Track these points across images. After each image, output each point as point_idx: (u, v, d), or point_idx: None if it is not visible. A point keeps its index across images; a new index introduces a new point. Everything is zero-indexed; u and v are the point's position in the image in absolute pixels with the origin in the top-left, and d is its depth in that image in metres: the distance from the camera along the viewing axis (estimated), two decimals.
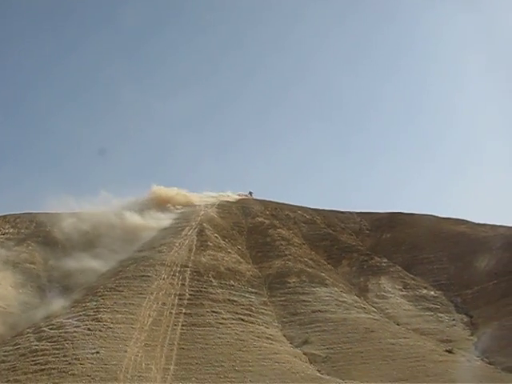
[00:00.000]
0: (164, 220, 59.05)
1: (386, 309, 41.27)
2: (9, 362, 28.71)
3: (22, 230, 57.97)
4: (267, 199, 68.43)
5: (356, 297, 42.09)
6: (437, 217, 62.10)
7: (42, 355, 28.65)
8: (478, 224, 58.17)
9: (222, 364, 28.75)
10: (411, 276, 47.37)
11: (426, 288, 45.29)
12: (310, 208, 66.40)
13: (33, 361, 28.20)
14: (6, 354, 29.93)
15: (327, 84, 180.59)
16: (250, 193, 72.36)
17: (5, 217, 61.35)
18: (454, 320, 39.81)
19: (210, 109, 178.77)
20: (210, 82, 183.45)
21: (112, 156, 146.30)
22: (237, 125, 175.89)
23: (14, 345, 31.14)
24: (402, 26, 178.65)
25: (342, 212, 66.66)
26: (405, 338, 34.08)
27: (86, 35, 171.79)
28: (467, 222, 59.37)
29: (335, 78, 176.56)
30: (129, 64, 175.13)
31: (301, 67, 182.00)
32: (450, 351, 32.22)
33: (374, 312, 39.53)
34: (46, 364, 27.58)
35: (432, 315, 40.63)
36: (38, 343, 30.29)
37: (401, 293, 44.24)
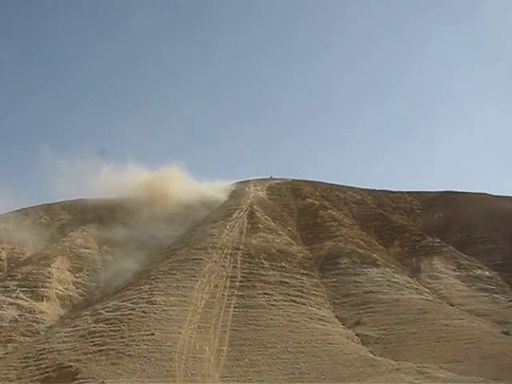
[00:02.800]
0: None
1: (440, 289, 40.68)
2: (69, 342, 29.76)
3: (77, 216, 59.62)
4: (317, 180, 68.03)
5: (408, 277, 41.62)
6: (491, 195, 60.72)
7: (99, 336, 29.52)
8: None
9: (275, 345, 28.96)
10: (465, 256, 46.49)
11: (480, 268, 44.40)
12: (360, 188, 65.74)
13: (91, 342, 29.09)
14: (66, 335, 31.04)
15: (388, 68, 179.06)
16: (271, 177, 71.92)
17: (60, 203, 63.24)
18: (510, 301, 38.96)
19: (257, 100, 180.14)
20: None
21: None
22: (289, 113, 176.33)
23: (74, 326, 32.24)
24: None
25: (393, 192, 65.77)
26: (459, 319, 33.55)
27: None
28: None
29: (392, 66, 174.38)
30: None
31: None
32: (506, 333, 31.53)
33: (427, 293, 39.02)
34: (103, 345, 28.40)
35: (487, 296, 39.84)
36: (95, 325, 31.22)
37: (454, 273, 43.50)
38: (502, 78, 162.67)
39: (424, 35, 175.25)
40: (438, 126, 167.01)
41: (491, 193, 61.79)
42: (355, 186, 66.28)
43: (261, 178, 70.39)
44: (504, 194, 60.74)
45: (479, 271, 43.90)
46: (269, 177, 71.43)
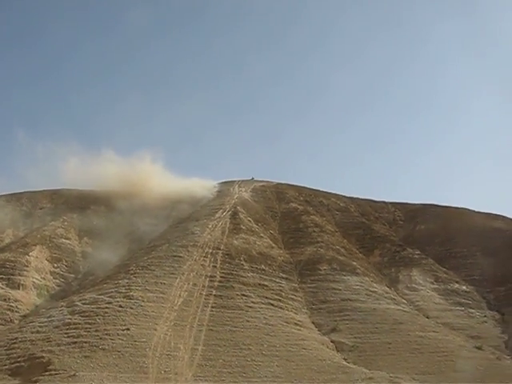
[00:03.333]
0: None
1: (417, 301, 40.95)
2: (43, 332, 29.55)
3: (59, 206, 59.19)
4: (301, 185, 68.12)
5: (386, 287, 41.85)
6: (472, 210, 61.21)
7: (74, 328, 29.35)
8: None
9: (250, 347, 28.99)
10: (443, 269, 46.84)
11: (457, 282, 44.76)
12: (344, 196, 65.93)
13: (66, 333, 28.90)
14: (40, 325, 30.81)
15: (383, 74, 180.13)
16: (252, 178, 72.03)
17: (43, 192, 62.71)
18: (485, 316, 39.33)
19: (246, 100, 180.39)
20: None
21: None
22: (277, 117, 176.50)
23: (49, 317, 32.00)
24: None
25: (376, 201, 66.07)
26: (434, 331, 33.84)
27: None
28: (503, 217, 58.37)
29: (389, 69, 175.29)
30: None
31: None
32: (479, 348, 31.88)
33: (404, 304, 39.27)
34: (78, 337, 28.24)
35: (463, 310, 40.20)
36: (71, 317, 31.03)
37: (432, 286, 43.81)
38: (502, 76, 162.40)
39: (421, 34, 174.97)
40: (425, 135, 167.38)
41: (471, 208, 62.46)
42: (339, 194, 66.52)
43: (244, 179, 70.38)
44: (482, 211, 61.41)
45: (457, 285, 44.26)
46: (250, 178, 71.49)
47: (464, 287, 44.20)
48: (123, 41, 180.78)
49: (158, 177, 67.37)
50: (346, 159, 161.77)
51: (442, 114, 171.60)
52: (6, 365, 26.60)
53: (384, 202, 65.87)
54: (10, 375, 25.77)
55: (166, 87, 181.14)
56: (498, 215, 58.98)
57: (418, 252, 49.77)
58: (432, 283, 44.20)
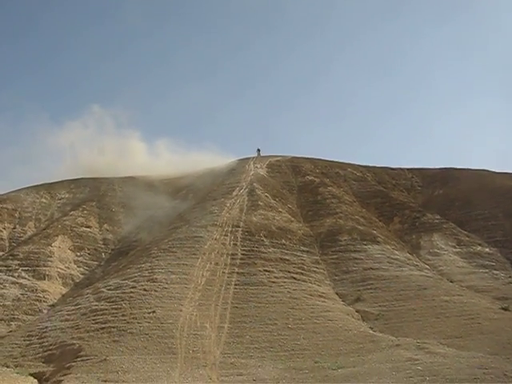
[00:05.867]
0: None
1: (439, 266, 40.82)
2: (72, 320, 29.99)
3: (77, 195, 59.74)
4: (316, 157, 67.89)
5: (408, 254, 41.76)
6: (491, 171, 60.65)
7: (101, 314, 29.70)
8: None
9: (275, 322, 29.11)
10: (465, 233, 46.58)
11: (480, 245, 44.50)
12: (360, 165, 65.62)
13: (93, 320, 29.28)
14: (68, 313, 31.28)
15: (391, 43, 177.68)
16: (259, 150, 71.82)
17: (61, 182, 63.34)
18: (510, 277, 39.03)
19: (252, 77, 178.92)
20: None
21: None
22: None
23: (76, 305, 32.46)
24: None
25: (393, 168, 65.68)
26: (458, 295, 33.69)
27: None
28: None
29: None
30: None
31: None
32: (506, 309, 31.61)
33: (427, 269, 39.16)
34: (105, 323, 28.58)
35: (487, 272, 39.95)
36: (97, 303, 31.43)
37: (454, 250, 43.61)
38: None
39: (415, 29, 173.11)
40: (437, 103, 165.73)
41: (491, 169, 61.80)
42: (355, 163, 66.21)
43: (262, 155, 70.28)
44: (503, 171, 60.72)
45: (479, 248, 44.01)
46: (256, 149, 71.51)
47: (487, 249, 43.94)
48: (121, 26, 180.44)
49: (173, 160, 67.90)
50: (360, 128, 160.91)
51: (451, 84, 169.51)
52: (39, 353, 27.12)
53: (401, 169, 65.46)
54: (43, 362, 26.25)
55: (169, 70, 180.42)
56: None
57: (438, 217, 49.51)
58: (454, 247, 43.99)
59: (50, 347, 27.32)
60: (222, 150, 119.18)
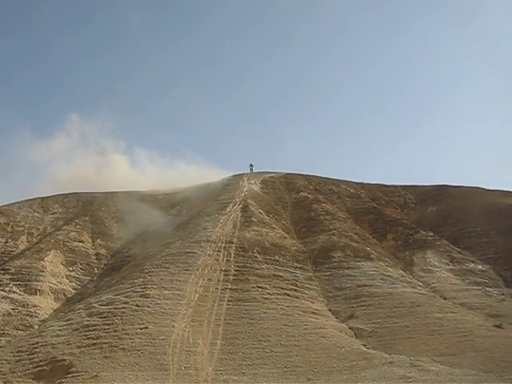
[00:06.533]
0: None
1: (433, 283, 40.78)
2: (63, 336, 29.72)
3: (70, 210, 59.62)
4: (311, 174, 68.07)
5: (402, 271, 41.74)
6: (484, 189, 60.79)
7: (93, 330, 29.49)
8: None
9: (268, 339, 28.98)
10: (458, 250, 46.60)
11: (473, 262, 44.52)
12: (354, 182, 65.79)
13: (85, 335, 29.06)
14: (60, 328, 31.01)
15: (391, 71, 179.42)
16: (251, 165, 72.00)
17: (55, 197, 63.19)
18: (502, 294, 39.07)
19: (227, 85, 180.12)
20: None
21: None
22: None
23: (67, 320, 32.21)
24: None
25: (387, 185, 65.83)
26: (452, 312, 33.67)
27: None
28: None
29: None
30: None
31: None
32: (498, 326, 31.62)
33: (420, 286, 39.14)
34: (97, 338, 28.38)
35: (480, 289, 39.95)
36: (89, 319, 31.21)
37: (447, 267, 43.61)
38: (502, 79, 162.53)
39: (430, 38, 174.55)
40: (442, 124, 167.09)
41: (483, 186, 62.02)
42: (349, 180, 66.38)
43: (254, 171, 70.43)
44: (496, 188, 60.95)
45: (472, 265, 44.03)
46: (249, 165, 71.70)
47: (480, 266, 43.96)
48: (127, 47, 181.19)
49: (166, 175, 67.98)
50: (356, 148, 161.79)
51: (450, 104, 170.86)
52: (28, 369, 26.82)
53: (394, 186, 65.60)
54: (33, 379, 25.96)
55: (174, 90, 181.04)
56: (510, 191, 58.53)
57: (432, 234, 49.58)
58: (447, 264, 44.00)
59: (41, 363, 27.02)
60: (204, 160, 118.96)
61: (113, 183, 69.23)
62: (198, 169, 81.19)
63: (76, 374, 25.09)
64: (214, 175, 70.48)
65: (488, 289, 40.13)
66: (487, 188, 61.00)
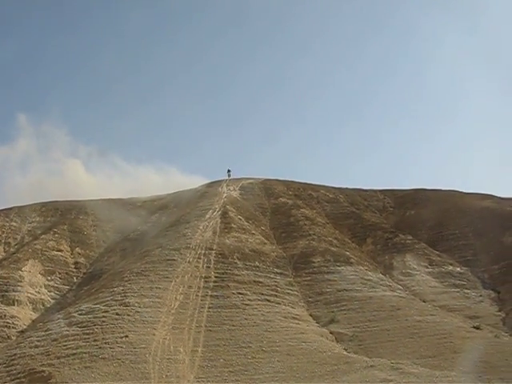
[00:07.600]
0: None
1: (412, 286, 41.14)
2: (42, 346, 29.33)
3: (48, 218, 58.98)
4: (289, 179, 68.21)
5: (381, 275, 42.00)
6: (461, 192, 61.47)
7: (73, 340, 29.16)
8: (504, 198, 57.42)
9: (250, 345, 28.98)
10: (436, 253, 47.04)
11: (451, 264, 44.97)
12: (332, 187, 66.02)
13: (64, 345, 28.69)
14: (38, 339, 30.58)
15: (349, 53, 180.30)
16: (229, 171, 72.00)
17: (31, 206, 62.44)
18: (481, 296, 39.57)
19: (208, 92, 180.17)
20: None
21: None
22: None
23: (46, 330, 31.78)
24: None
25: (365, 190, 66.23)
26: (431, 314, 34.00)
27: None
28: (492, 196, 58.61)
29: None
30: None
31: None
32: (477, 327, 32.04)
33: (400, 289, 39.43)
34: (77, 348, 28.07)
35: (458, 291, 40.41)
36: (68, 328, 30.85)
37: (426, 270, 44.02)
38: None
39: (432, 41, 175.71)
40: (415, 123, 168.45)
41: (460, 189, 62.74)
42: (328, 185, 66.62)
43: (232, 177, 70.35)
44: (472, 191, 61.70)
45: (451, 267, 44.47)
46: (227, 170, 71.61)
47: (458, 269, 44.41)
48: (122, 44, 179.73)
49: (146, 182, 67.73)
50: (334, 153, 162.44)
51: (433, 103, 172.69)
52: (6, 382, 26.34)
53: (373, 190, 66.01)
54: None
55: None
56: (487, 195, 59.21)
57: (410, 237, 49.96)
58: (426, 267, 44.40)
59: (19, 375, 26.57)
60: (179, 166, 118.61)
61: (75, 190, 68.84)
62: (172, 175, 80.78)
63: None
64: (190, 181, 70.40)
65: (466, 291, 40.61)
66: (464, 191, 61.75)
